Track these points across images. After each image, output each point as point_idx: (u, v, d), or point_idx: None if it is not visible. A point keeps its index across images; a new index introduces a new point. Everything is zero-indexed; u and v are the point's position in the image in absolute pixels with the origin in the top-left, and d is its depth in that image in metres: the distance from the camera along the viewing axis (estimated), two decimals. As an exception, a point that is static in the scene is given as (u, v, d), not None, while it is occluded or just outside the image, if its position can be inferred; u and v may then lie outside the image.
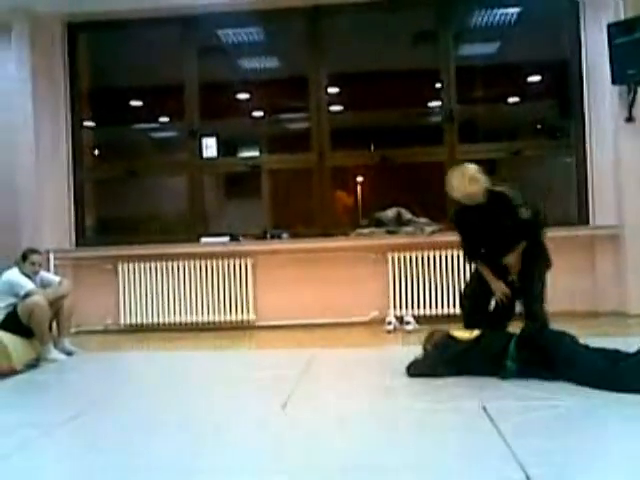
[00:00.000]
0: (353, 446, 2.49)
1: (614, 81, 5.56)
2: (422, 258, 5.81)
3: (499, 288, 4.04)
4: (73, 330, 5.12)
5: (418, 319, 5.55)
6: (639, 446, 2.38)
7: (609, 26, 5.55)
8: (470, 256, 4.23)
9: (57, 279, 4.83)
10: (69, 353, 4.60)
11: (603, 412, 2.79)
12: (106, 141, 6.97)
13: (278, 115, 7.08)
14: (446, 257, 5.80)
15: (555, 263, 5.77)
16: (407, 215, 5.93)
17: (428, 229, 5.83)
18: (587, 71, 5.88)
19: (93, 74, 6.67)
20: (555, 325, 4.72)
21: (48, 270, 5.47)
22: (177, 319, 5.97)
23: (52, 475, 2.35)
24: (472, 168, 3.95)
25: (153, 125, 7.22)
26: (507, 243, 3.94)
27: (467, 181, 3.86)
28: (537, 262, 4.00)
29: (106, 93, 6.83)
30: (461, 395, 3.15)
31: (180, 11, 6.04)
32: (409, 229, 5.87)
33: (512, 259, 3.97)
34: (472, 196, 3.87)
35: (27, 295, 4.40)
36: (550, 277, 5.67)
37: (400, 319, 5.54)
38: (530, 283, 3.98)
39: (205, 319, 5.96)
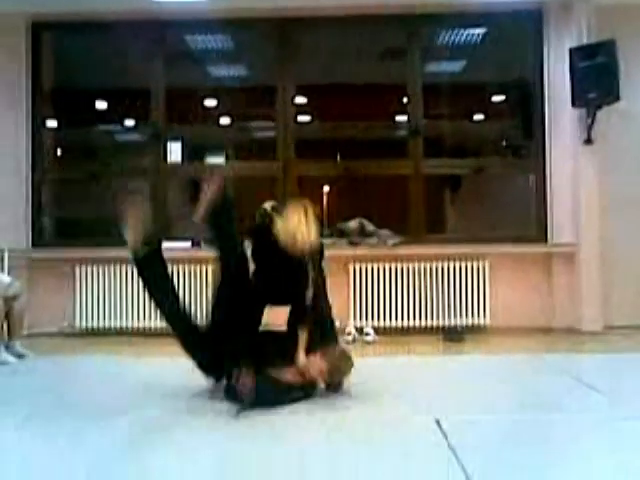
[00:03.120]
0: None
1: (574, 104, 5.70)
2: (383, 270, 5.85)
3: None
4: (25, 332, 5.01)
5: (378, 330, 5.58)
6: (586, 462, 2.42)
7: (571, 50, 5.69)
8: None
9: (8, 279, 4.72)
10: (20, 356, 4.49)
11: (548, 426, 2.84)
12: (69, 142, 6.86)
13: (245, 123, 7.07)
14: (407, 269, 5.85)
15: (513, 279, 5.94)
16: (370, 227, 5.97)
17: (390, 241, 5.87)
18: (549, 92, 6.02)
19: (57, 74, 6.54)
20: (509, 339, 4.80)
21: (2, 270, 5.35)
22: (135, 324, 5.87)
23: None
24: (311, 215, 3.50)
25: (118, 128, 7.15)
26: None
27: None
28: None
29: (70, 94, 6.73)
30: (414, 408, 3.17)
31: (149, 15, 5.98)
32: (372, 241, 5.91)
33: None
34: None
35: None
36: (507, 292, 5.84)
37: (360, 330, 5.55)
38: None
39: (163, 324, 5.85)
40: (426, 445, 2.61)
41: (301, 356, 3.35)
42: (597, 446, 2.58)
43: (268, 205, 3.68)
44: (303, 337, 3.39)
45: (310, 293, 3.41)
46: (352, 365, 3.42)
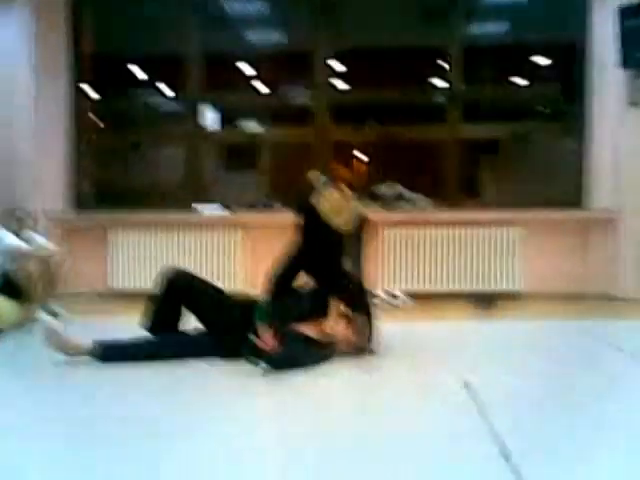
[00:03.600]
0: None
1: (621, 64, 5.46)
2: (417, 235, 5.77)
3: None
4: (62, 292, 5.10)
5: (409, 295, 5.52)
6: (610, 423, 2.35)
7: (620, 9, 5.45)
8: None
9: (43, 240, 4.80)
10: (56, 315, 4.59)
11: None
12: (108, 109, 6.91)
13: (281, 89, 7.00)
14: (441, 234, 5.75)
15: (550, 244, 5.79)
16: (404, 191, 5.88)
17: (425, 205, 5.79)
18: (595, 53, 5.80)
19: (96, 39, 6.59)
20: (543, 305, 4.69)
21: (39, 232, 5.44)
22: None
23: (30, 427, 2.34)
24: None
25: (155, 94, 7.16)
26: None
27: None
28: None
29: (108, 60, 6.76)
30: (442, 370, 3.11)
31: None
32: (406, 205, 5.83)
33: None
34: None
35: (10, 249, 4.37)
36: (542, 258, 5.69)
37: (391, 294, 5.50)
38: None
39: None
40: (455, 404, 2.59)
41: (330, 323, 3.33)
42: (625, 411, 2.50)
43: (313, 174, 3.69)
44: (335, 309, 3.37)
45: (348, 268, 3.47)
46: (373, 334, 3.37)
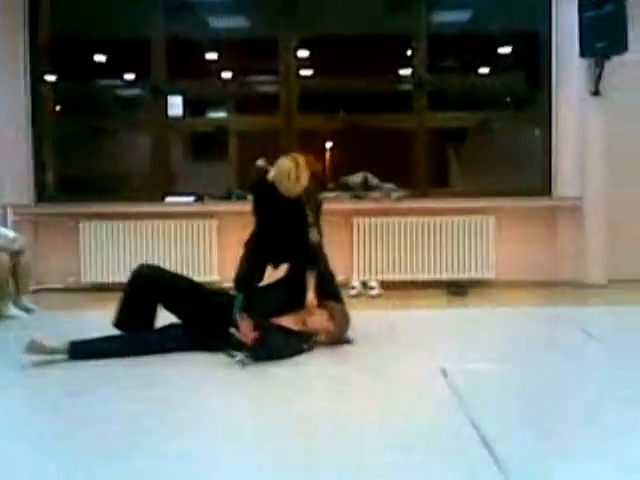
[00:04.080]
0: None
1: (582, 54, 5.59)
2: (387, 224, 5.84)
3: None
4: (32, 288, 5.03)
5: (382, 284, 5.60)
6: (585, 407, 2.45)
7: (580, -1, 5.57)
8: None
9: (11, 234, 4.72)
10: (28, 310, 4.53)
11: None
12: (68, 96, 6.75)
13: (247, 76, 6.96)
14: (411, 223, 5.84)
15: (518, 233, 5.94)
16: (373, 180, 5.94)
17: (394, 195, 5.85)
18: (557, 43, 5.91)
19: (55, 27, 6.42)
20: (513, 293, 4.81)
21: (6, 226, 5.34)
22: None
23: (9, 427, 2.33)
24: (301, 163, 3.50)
25: (117, 82, 7.04)
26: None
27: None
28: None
29: (69, 46, 6.60)
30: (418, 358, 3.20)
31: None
32: (375, 194, 5.89)
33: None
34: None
35: None
36: (512, 246, 5.84)
37: (364, 284, 5.57)
38: None
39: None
40: (432, 392, 2.66)
41: (310, 296, 3.37)
42: (598, 394, 2.61)
43: (261, 161, 3.66)
44: (312, 280, 3.41)
45: (314, 235, 3.44)
46: (349, 322, 3.45)
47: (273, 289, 3.55)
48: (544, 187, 6.03)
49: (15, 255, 4.46)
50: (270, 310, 3.36)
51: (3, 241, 4.50)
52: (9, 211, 5.64)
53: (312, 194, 3.49)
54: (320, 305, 3.43)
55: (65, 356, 3.09)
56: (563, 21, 5.83)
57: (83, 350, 3.12)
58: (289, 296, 3.47)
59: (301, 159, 3.45)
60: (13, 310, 4.40)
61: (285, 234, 3.49)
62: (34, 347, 3.04)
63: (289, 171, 3.37)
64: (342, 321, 3.43)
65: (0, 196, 5.46)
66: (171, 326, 3.38)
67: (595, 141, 5.72)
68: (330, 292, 3.58)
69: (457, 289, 5.49)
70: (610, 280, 5.67)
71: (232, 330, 3.01)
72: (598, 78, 5.64)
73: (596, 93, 5.68)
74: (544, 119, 6.03)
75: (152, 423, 2.29)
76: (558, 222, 5.93)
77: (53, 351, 3.08)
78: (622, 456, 1.97)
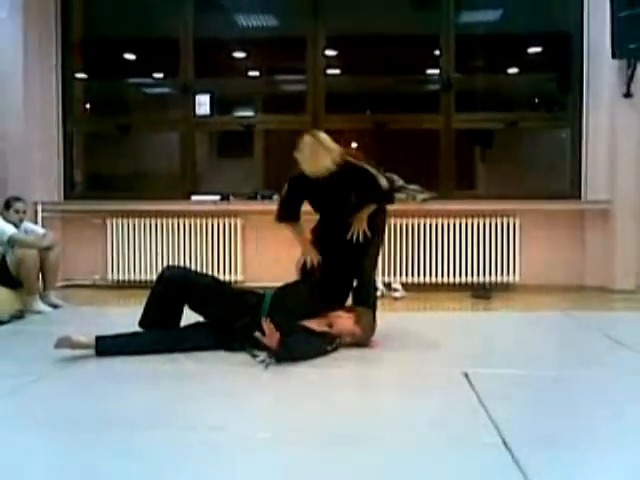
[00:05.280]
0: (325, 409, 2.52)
1: (614, 55, 5.50)
2: (412, 225, 5.81)
3: (310, 253, 3.70)
4: (59, 283, 5.11)
5: (405, 286, 5.57)
6: (608, 413, 2.41)
7: (613, -1, 5.48)
8: (282, 218, 3.77)
9: (41, 231, 4.80)
10: (55, 306, 4.60)
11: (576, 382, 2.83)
12: (98, 94, 6.86)
13: (274, 75, 6.98)
14: (437, 225, 5.81)
15: (545, 236, 5.86)
16: (399, 181, 5.90)
17: (420, 196, 5.82)
18: (588, 43, 5.84)
19: (86, 24, 6.52)
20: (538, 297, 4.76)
21: (36, 222, 5.44)
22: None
23: (43, 418, 2.37)
24: (321, 136, 3.48)
25: (146, 80, 7.10)
26: (348, 213, 3.61)
27: (315, 151, 3.41)
28: (376, 235, 3.68)
29: (100, 45, 6.69)
30: (441, 361, 3.18)
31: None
32: (401, 196, 5.85)
33: (363, 215, 3.59)
34: (318, 168, 3.42)
35: (11, 240, 4.37)
36: (539, 250, 5.77)
37: (388, 286, 5.55)
38: (364, 258, 3.66)
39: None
40: (454, 395, 2.64)
41: (337, 318, 3.36)
42: (622, 401, 2.56)
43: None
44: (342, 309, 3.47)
45: (383, 181, 3.52)
46: (374, 330, 3.45)
47: (300, 293, 3.52)
48: (573, 190, 5.95)
49: (44, 251, 4.53)
50: (297, 313, 3.35)
51: (33, 237, 4.58)
52: (39, 207, 5.74)
53: (344, 168, 3.45)
54: (349, 309, 3.44)
55: (93, 351, 3.13)
56: (595, 21, 5.75)
57: (109, 345, 3.16)
58: (316, 300, 3.45)
59: (321, 135, 3.46)
60: (40, 305, 4.47)
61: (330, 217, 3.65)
62: (64, 342, 3.08)
63: (304, 147, 3.40)
64: (367, 327, 3.41)
65: (30, 193, 5.55)
66: (197, 324, 3.41)
67: (626, 144, 5.63)
68: (364, 301, 3.59)
69: (482, 292, 5.44)
70: (638, 286, 5.58)
71: (257, 334, 3.02)
72: (630, 80, 5.55)
73: (628, 95, 5.59)
74: (574, 121, 5.95)
75: (172, 419, 2.32)
76: (586, 226, 5.84)
77: (82, 346, 3.13)
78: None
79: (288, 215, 3.73)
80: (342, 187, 3.48)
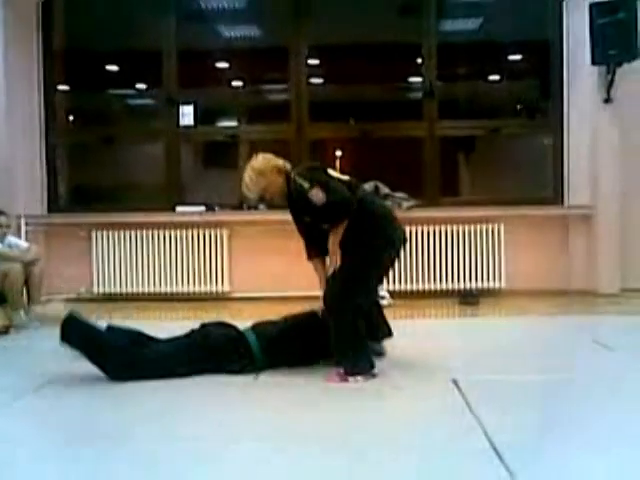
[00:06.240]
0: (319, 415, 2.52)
1: (594, 61, 5.57)
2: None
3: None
4: (44, 297, 5.05)
5: (392, 294, 5.58)
6: (595, 416, 2.45)
7: (591, 6, 5.55)
8: (309, 256, 3.41)
9: (25, 244, 4.76)
10: (40, 320, 4.54)
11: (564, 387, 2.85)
12: (81, 106, 6.83)
13: (257, 85, 6.99)
14: (422, 233, 5.83)
15: (529, 242, 5.91)
16: (384, 189, 5.92)
17: (405, 204, 5.84)
18: (568, 50, 5.91)
19: (69, 37, 6.49)
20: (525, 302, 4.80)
21: (19, 236, 5.39)
22: (151, 289, 5.92)
23: (26, 436, 2.36)
24: (255, 159, 3.29)
25: (130, 91, 7.09)
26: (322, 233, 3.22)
27: (249, 175, 3.23)
28: (353, 252, 3.12)
29: (82, 56, 6.67)
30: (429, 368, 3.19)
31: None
32: (386, 203, 5.86)
33: (330, 247, 3.18)
34: (264, 191, 3.23)
35: None
36: (523, 256, 5.82)
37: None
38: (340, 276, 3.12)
39: (179, 289, 5.93)
40: (443, 402, 2.65)
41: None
42: (609, 404, 2.59)
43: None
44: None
45: (316, 194, 3.04)
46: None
47: (290, 339, 3.29)
48: (556, 196, 6.01)
49: (28, 265, 4.49)
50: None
51: (17, 251, 4.54)
52: (22, 221, 5.68)
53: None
54: None
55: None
56: (574, 28, 5.82)
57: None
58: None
59: (252, 160, 3.28)
60: (25, 319, 4.42)
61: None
62: None
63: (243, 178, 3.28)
64: None
65: (14, 206, 5.50)
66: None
67: (607, 149, 5.69)
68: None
69: (469, 298, 5.46)
70: (622, 289, 5.63)
71: None
72: (610, 85, 5.62)
73: (608, 100, 5.65)
74: (555, 127, 6.02)
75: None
76: (570, 231, 5.90)
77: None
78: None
79: (313, 251, 3.36)
80: (296, 208, 3.28)
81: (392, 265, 3.41)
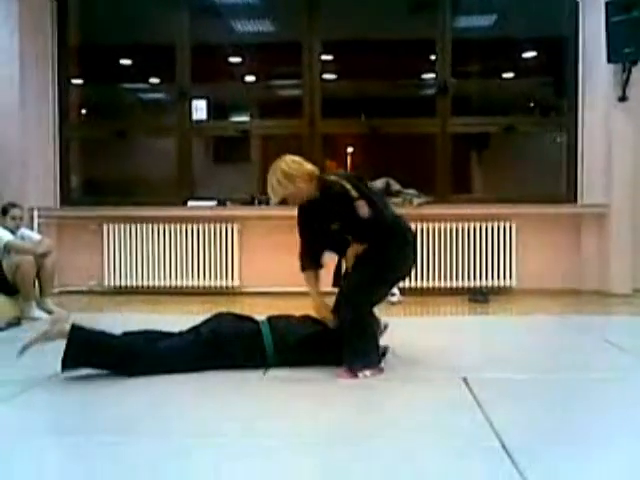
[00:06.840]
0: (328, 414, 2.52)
1: (609, 59, 5.53)
2: (409, 230, 5.81)
3: (322, 313, 3.25)
4: (56, 290, 5.10)
5: (402, 291, 5.56)
6: (605, 416, 2.43)
7: (607, 4, 5.50)
8: (303, 267, 3.28)
9: (38, 237, 4.79)
10: (51, 312, 4.58)
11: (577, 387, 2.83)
12: (94, 100, 6.86)
13: (270, 80, 6.99)
14: (433, 229, 5.81)
15: (541, 240, 5.87)
16: (396, 186, 5.91)
17: (416, 200, 5.82)
18: (583, 48, 5.86)
19: (83, 32, 6.53)
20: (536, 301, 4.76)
21: (32, 229, 5.43)
22: (161, 282, 5.94)
23: (38, 426, 2.38)
24: (285, 161, 3.09)
25: (143, 85, 7.11)
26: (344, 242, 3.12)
27: (278, 178, 3.04)
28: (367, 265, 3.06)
29: (96, 50, 6.70)
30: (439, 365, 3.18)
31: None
32: (397, 200, 5.85)
33: (350, 253, 3.12)
34: (292, 196, 3.09)
35: (7, 246, 4.36)
36: (535, 254, 5.78)
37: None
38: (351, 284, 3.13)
39: (189, 283, 5.95)
40: (453, 400, 2.63)
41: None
42: (620, 404, 2.57)
43: None
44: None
45: (362, 208, 2.91)
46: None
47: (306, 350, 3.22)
48: (569, 194, 5.96)
49: (40, 257, 4.52)
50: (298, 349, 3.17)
51: (29, 244, 4.57)
52: (35, 214, 5.72)
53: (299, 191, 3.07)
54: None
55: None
56: (590, 26, 5.77)
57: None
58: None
59: (281, 162, 3.08)
60: (36, 312, 4.46)
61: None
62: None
63: (270, 175, 3.09)
64: None
65: (26, 199, 5.54)
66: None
67: (622, 147, 5.64)
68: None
69: (479, 296, 5.44)
70: (635, 289, 5.59)
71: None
72: (625, 83, 5.57)
73: (623, 99, 5.61)
74: (570, 125, 5.97)
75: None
76: (583, 230, 5.86)
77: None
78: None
79: (308, 262, 3.25)
80: (324, 213, 3.09)
81: (407, 275, 3.47)
